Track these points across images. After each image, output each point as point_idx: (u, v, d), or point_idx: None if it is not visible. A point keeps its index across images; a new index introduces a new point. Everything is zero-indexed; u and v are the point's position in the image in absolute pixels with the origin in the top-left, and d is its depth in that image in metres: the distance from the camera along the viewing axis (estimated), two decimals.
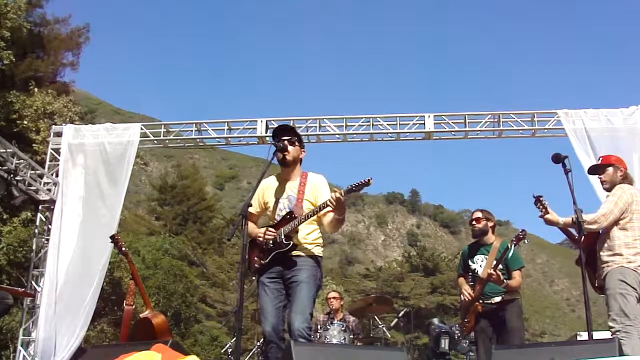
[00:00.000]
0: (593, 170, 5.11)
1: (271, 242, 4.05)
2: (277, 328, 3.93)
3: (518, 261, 5.53)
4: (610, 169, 4.82)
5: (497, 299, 5.44)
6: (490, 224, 5.69)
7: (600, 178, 4.92)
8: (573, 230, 4.69)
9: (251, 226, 4.19)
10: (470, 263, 5.67)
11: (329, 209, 3.93)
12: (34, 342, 7.48)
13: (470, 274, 5.68)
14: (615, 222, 4.57)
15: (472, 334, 5.86)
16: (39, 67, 16.55)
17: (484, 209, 5.78)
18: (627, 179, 4.81)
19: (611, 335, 4.24)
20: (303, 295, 3.91)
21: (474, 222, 5.70)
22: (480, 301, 5.44)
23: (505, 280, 5.35)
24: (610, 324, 4.36)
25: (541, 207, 4.65)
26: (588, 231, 4.58)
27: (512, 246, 5.30)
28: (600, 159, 5.10)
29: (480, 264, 5.57)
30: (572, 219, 4.51)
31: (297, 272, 3.99)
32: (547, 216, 4.65)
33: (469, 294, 5.52)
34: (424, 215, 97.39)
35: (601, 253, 4.63)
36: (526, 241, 5.41)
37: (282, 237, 4.00)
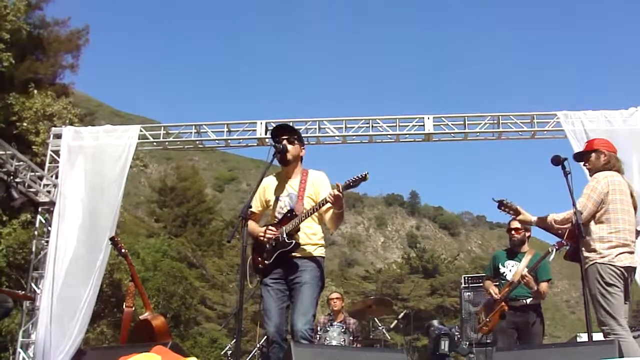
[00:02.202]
0: (578, 157, 4.88)
1: (273, 241, 4.04)
2: (281, 329, 3.94)
3: (548, 273, 5.62)
4: (593, 155, 4.59)
5: (523, 302, 5.53)
6: (527, 234, 5.76)
7: (585, 166, 4.71)
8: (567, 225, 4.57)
9: (253, 225, 4.19)
10: (500, 267, 5.77)
11: (328, 205, 3.94)
12: (34, 344, 7.47)
13: (498, 277, 5.77)
14: (593, 216, 4.35)
15: (482, 335, 5.93)
16: (39, 69, 16.56)
17: None
18: (609, 164, 4.51)
19: (604, 337, 4.18)
20: (306, 296, 3.92)
21: (513, 232, 5.75)
22: (506, 302, 5.52)
23: (535, 286, 5.44)
24: (600, 326, 4.24)
25: (508, 210, 4.55)
26: (562, 230, 4.44)
27: (554, 250, 5.29)
28: (586, 144, 4.92)
29: (510, 269, 5.67)
30: (562, 218, 4.37)
31: (301, 274, 3.99)
32: (519, 217, 4.57)
33: (496, 293, 5.61)
34: (424, 217, 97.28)
35: (582, 249, 4.39)
36: (567, 246, 5.35)
37: (284, 235, 3.99)
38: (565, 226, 4.38)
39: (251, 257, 4.10)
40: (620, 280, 4.24)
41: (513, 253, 5.78)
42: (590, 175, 4.61)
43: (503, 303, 5.50)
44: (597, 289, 4.21)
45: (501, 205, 4.56)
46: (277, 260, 4.02)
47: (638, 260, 4.60)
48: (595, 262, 4.26)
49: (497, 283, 5.73)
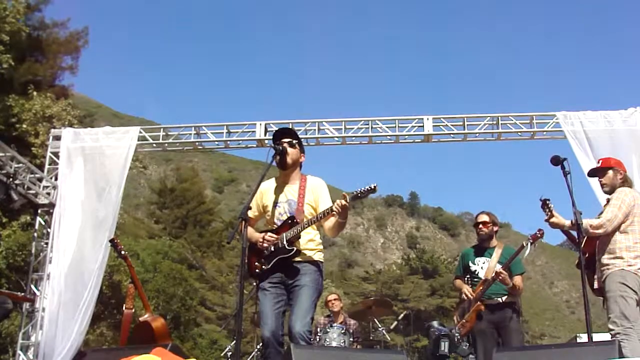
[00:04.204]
0: (593, 173, 5.16)
1: (272, 247, 4.04)
2: (276, 333, 3.92)
3: (520, 267, 5.59)
4: (611, 172, 4.86)
5: (499, 300, 5.45)
6: (495, 228, 5.72)
7: (600, 181, 4.97)
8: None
9: (250, 230, 4.16)
10: (470, 265, 5.67)
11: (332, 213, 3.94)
12: (33, 346, 7.47)
13: (469, 275, 5.68)
14: (617, 226, 4.60)
15: (468, 336, 5.86)
16: (38, 71, 16.56)
17: (490, 212, 5.78)
18: (626, 182, 4.85)
19: (611, 337, 4.24)
20: (305, 299, 3.92)
21: (480, 226, 5.69)
22: (482, 301, 5.45)
23: (511, 282, 5.38)
24: (610, 326, 4.38)
25: (547, 210, 4.69)
26: (594, 235, 4.63)
27: (529, 244, 5.32)
28: (600, 161, 5.14)
29: (482, 266, 5.58)
30: (598, 223, 4.58)
31: (300, 277, 3.99)
32: (552, 220, 4.68)
33: (470, 293, 5.52)
34: (423, 218, 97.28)
35: (601, 256, 4.64)
36: (542, 240, 5.40)
37: (285, 242, 3.99)
38: (598, 232, 4.58)
39: (247, 260, 4.08)
40: (639, 290, 4.45)
41: (482, 249, 5.67)
42: (605, 190, 4.91)
43: (479, 302, 5.42)
44: (619, 290, 4.41)
45: (545, 204, 4.68)
46: (276, 265, 4.02)
47: None
48: (622, 269, 4.49)
49: (470, 284, 5.62)
